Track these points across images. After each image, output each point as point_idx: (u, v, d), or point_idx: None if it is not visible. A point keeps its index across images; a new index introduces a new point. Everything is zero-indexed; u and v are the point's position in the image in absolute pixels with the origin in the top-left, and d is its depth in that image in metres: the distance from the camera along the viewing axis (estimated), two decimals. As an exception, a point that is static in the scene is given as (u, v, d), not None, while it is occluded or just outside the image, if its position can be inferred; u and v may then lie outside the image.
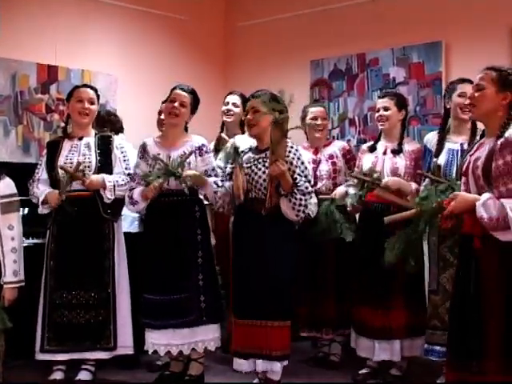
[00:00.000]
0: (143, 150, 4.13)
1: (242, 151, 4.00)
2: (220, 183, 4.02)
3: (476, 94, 3.02)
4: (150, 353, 4.10)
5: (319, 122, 4.64)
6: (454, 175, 3.95)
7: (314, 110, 4.68)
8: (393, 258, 3.36)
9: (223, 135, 4.88)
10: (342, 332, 4.57)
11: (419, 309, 4.19)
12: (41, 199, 4.08)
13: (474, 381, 2.88)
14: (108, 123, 4.57)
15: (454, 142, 4.07)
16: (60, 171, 4.06)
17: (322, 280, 4.51)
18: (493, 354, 2.85)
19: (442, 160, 4.06)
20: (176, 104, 4.06)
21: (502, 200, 2.80)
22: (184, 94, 4.10)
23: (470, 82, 4.08)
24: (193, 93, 4.14)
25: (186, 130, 4.20)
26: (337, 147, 4.68)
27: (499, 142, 2.88)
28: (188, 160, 4.03)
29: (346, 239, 4.33)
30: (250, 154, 3.90)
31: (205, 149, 4.12)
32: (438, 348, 4.01)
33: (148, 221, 4.18)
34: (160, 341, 4.04)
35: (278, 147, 3.63)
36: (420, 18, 5.38)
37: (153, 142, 4.15)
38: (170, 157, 4.06)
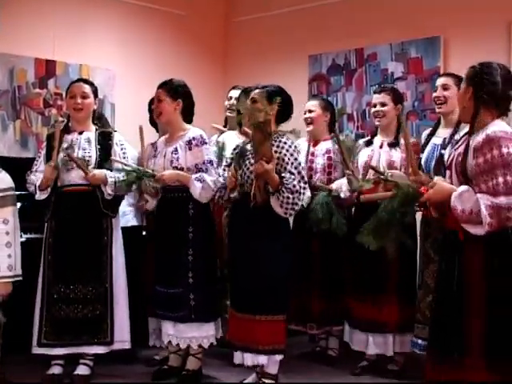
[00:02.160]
0: (155, 148, 4.22)
1: (244, 142, 4.01)
2: (208, 178, 3.98)
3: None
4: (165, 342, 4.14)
5: (306, 115, 4.64)
6: (431, 169, 3.98)
7: (307, 104, 4.69)
8: (364, 238, 3.26)
9: (215, 125, 4.89)
10: (329, 329, 4.57)
11: (412, 304, 4.21)
12: (38, 184, 4.07)
13: (455, 376, 2.87)
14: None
15: (439, 137, 4.09)
16: (61, 155, 4.07)
17: (309, 274, 4.51)
18: (474, 349, 2.84)
19: (424, 155, 4.09)
20: (155, 104, 4.16)
21: (478, 195, 2.79)
22: (157, 90, 4.16)
23: (447, 75, 4.16)
24: (164, 83, 4.16)
25: (190, 115, 4.22)
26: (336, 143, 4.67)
27: (482, 138, 2.84)
28: (177, 155, 4.05)
29: (339, 234, 4.32)
30: (249, 147, 3.91)
31: (195, 142, 4.06)
32: (419, 341, 4.04)
33: (149, 215, 4.28)
34: (165, 330, 4.09)
35: (261, 147, 3.64)
36: (418, 13, 5.38)
37: (162, 140, 4.24)
38: (165, 153, 4.11)
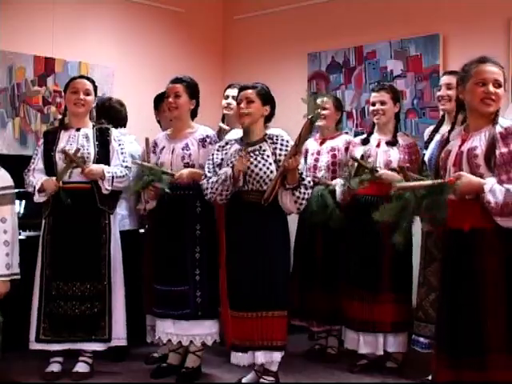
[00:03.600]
0: (155, 144, 4.20)
1: (227, 142, 4.00)
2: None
3: (498, 91, 2.99)
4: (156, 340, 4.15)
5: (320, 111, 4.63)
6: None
7: (317, 101, 4.67)
8: (382, 217, 3.19)
9: (222, 125, 4.88)
10: (332, 327, 4.57)
11: (407, 304, 4.23)
12: (37, 187, 4.06)
13: (475, 377, 2.86)
14: (111, 112, 4.58)
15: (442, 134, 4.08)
16: (58, 155, 4.06)
17: (311, 271, 4.52)
18: (497, 348, 2.84)
19: (428, 152, 4.08)
20: (171, 98, 4.12)
21: (506, 186, 2.82)
22: (175, 85, 4.13)
23: (450, 73, 4.13)
24: (184, 80, 4.16)
25: (195, 115, 4.23)
26: (341, 140, 4.64)
27: (499, 131, 2.91)
28: (188, 152, 4.05)
29: (332, 226, 4.29)
30: (237, 146, 3.90)
31: (209, 140, 4.13)
32: (422, 339, 4.05)
33: (152, 213, 4.21)
34: (163, 329, 4.09)
35: (303, 143, 3.67)
36: (417, 10, 5.38)
37: (163, 136, 4.22)
38: (173, 149, 4.09)
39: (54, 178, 4.03)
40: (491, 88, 2.98)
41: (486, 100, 2.99)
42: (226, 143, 3.98)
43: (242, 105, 3.84)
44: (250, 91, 3.85)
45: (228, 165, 3.82)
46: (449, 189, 2.86)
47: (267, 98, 3.87)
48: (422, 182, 2.98)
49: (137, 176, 4.18)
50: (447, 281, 3.04)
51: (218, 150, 3.96)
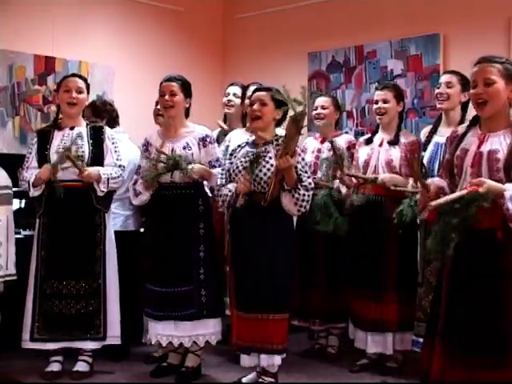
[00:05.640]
0: (147, 143, 4.18)
1: (239, 145, 3.99)
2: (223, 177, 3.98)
3: (488, 90, 2.91)
4: (153, 343, 4.14)
5: (319, 111, 4.64)
6: (436, 169, 3.96)
7: (318, 100, 4.68)
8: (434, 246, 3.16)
9: (220, 123, 4.90)
10: (334, 325, 4.58)
11: (411, 303, 4.21)
12: (31, 180, 4.02)
13: (493, 376, 2.85)
14: (105, 113, 4.57)
15: (442, 135, 4.05)
16: (52, 156, 4.02)
17: (312, 271, 4.52)
18: None
19: (427, 154, 4.07)
20: (167, 96, 4.10)
21: None
22: (170, 83, 4.12)
23: (451, 72, 4.13)
24: (179, 78, 4.15)
25: (187, 115, 4.21)
26: (343, 140, 4.64)
27: None
28: (190, 151, 4.05)
29: (339, 234, 4.27)
30: (248, 148, 3.89)
31: (209, 139, 4.13)
32: (421, 340, 4.01)
33: (152, 213, 4.19)
34: (162, 331, 4.06)
35: (292, 143, 3.61)
36: (418, 10, 5.39)
37: (156, 135, 4.19)
38: (172, 148, 4.07)
39: (49, 165, 3.99)
40: (479, 89, 2.93)
41: (476, 102, 2.95)
42: (239, 146, 3.98)
43: (255, 106, 3.80)
44: (264, 93, 3.80)
45: (234, 168, 3.83)
46: (481, 198, 2.81)
47: (281, 102, 3.75)
48: (453, 196, 2.90)
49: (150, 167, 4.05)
50: (460, 280, 2.99)
51: (231, 154, 3.97)
